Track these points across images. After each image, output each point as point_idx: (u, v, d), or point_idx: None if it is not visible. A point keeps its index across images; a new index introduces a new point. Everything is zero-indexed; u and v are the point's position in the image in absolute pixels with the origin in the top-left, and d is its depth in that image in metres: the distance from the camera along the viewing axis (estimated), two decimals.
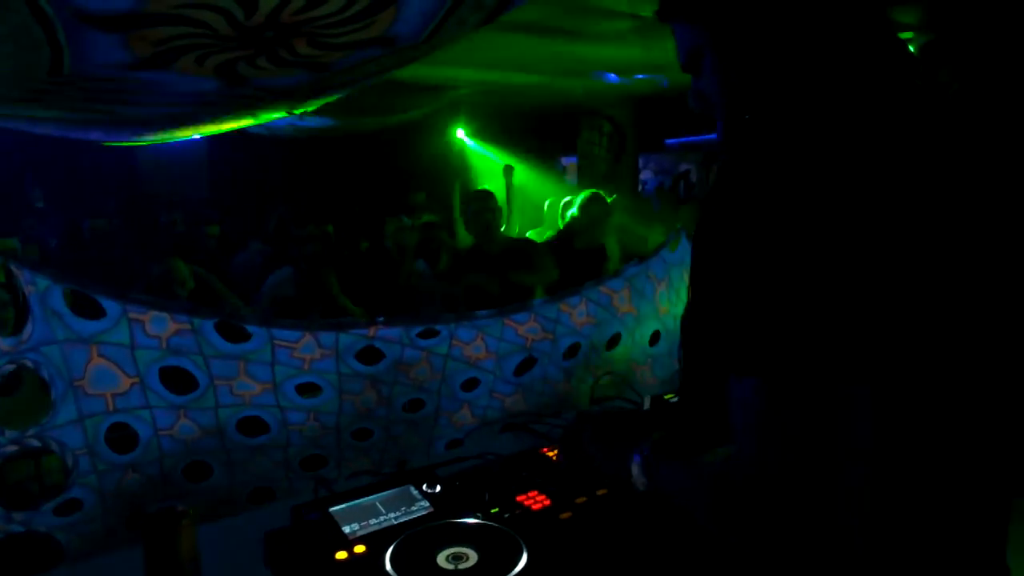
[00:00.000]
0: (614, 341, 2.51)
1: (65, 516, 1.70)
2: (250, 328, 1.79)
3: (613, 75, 7.35)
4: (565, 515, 1.46)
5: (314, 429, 2.00)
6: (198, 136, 8.90)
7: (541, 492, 1.56)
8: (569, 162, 10.90)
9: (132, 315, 1.63)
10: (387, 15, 2.63)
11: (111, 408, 1.68)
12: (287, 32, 2.56)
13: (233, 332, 1.78)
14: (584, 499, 1.53)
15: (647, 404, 1.97)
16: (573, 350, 2.41)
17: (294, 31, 2.55)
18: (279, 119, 6.83)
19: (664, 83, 8.38)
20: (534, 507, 1.50)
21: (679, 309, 2.70)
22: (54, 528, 1.69)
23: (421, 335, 2.06)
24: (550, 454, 1.76)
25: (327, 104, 6.58)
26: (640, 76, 7.99)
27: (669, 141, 10.87)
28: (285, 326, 1.84)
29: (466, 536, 1.37)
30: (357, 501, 1.50)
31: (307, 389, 1.97)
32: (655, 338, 2.64)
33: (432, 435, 2.25)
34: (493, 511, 1.48)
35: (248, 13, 2.36)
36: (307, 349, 1.89)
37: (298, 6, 2.32)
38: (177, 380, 1.75)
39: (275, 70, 3.18)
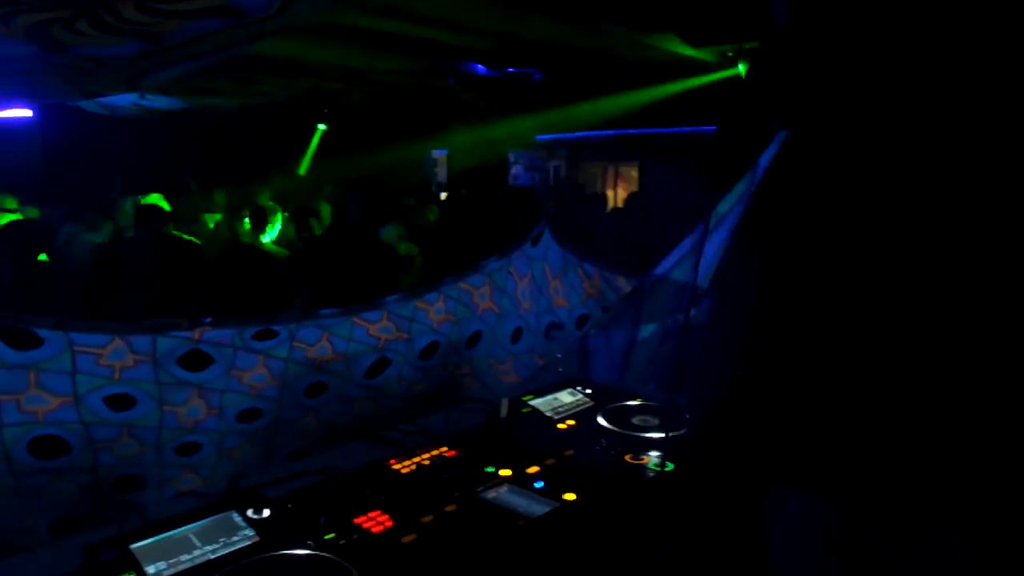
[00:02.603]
0: (474, 339, 2.39)
1: None
2: (41, 332, 1.52)
3: (482, 67, 7.25)
4: (408, 538, 1.32)
5: (129, 446, 1.75)
6: (30, 114, 8.06)
7: (384, 512, 1.41)
8: (440, 154, 10.75)
9: None
10: None
11: None
12: None
13: (20, 338, 1.51)
14: (431, 518, 1.39)
15: (504, 409, 1.85)
16: (431, 349, 2.27)
17: None
18: (121, 97, 6.27)
19: (536, 77, 8.39)
20: (374, 530, 1.35)
21: (542, 304, 2.62)
22: None
23: (257, 336, 1.85)
24: (397, 466, 1.61)
25: (175, 83, 6.09)
26: (511, 70, 7.95)
27: (540, 137, 10.94)
28: (88, 329, 1.59)
29: (291, 571, 1.19)
30: (167, 534, 1.29)
31: (120, 401, 1.72)
32: (517, 335, 2.55)
33: (272, 446, 2.04)
34: (327, 537, 1.31)
35: None
36: (116, 355, 1.64)
37: None
38: None
39: (100, 37, 2.83)
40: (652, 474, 1.58)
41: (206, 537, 1.29)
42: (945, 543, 0.70)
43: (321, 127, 9.65)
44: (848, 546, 0.76)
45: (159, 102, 6.53)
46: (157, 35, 2.79)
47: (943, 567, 0.69)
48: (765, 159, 2.72)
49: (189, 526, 1.31)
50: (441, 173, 10.79)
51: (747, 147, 2.93)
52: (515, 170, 11.24)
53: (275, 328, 1.88)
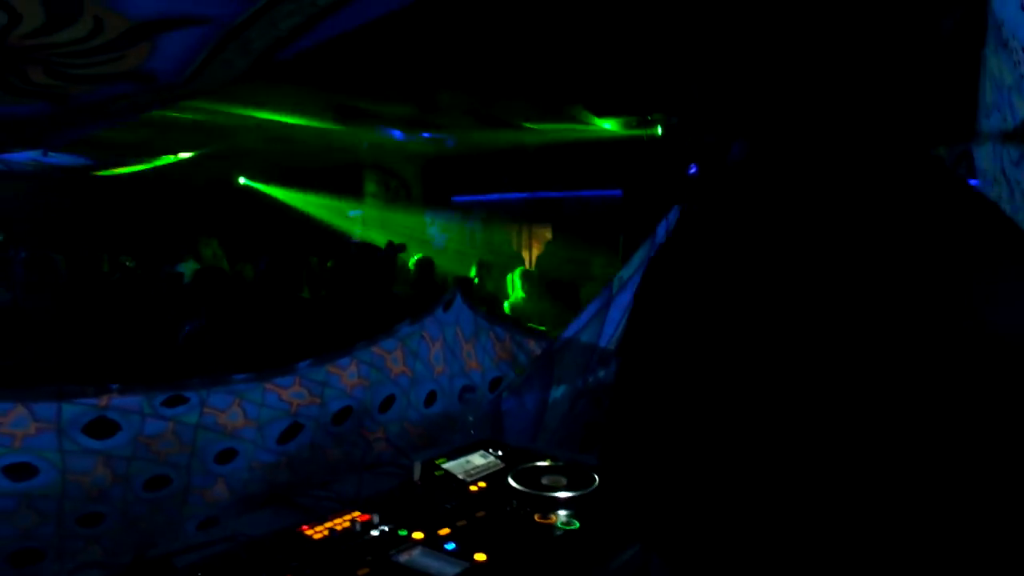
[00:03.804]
0: (388, 403, 2.42)
1: None
2: None
3: (398, 132, 7.40)
4: None
5: (26, 518, 1.69)
6: None
7: None
8: (355, 215, 10.77)
9: None
10: (141, 50, 2.42)
11: None
12: (18, 57, 2.27)
13: None
14: None
15: (417, 472, 1.89)
16: (344, 414, 2.29)
17: (26, 56, 2.26)
18: (19, 154, 6.08)
19: (449, 143, 8.61)
20: None
21: (455, 368, 2.68)
22: None
23: (166, 403, 1.84)
24: (309, 532, 1.62)
25: (80, 140, 5.95)
26: (426, 135, 8.14)
27: (456, 198, 11.13)
28: None
29: None
30: None
31: (20, 470, 1.67)
32: (431, 399, 2.59)
33: (181, 515, 2.00)
34: None
35: None
36: (18, 423, 1.60)
37: (30, 29, 2.06)
38: None
39: (4, 98, 2.80)
40: (560, 532, 1.65)
41: None
42: None
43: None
44: None
45: (62, 159, 6.35)
46: (65, 96, 2.77)
47: None
48: (662, 229, 2.91)
49: None
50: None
51: (648, 214, 3.12)
52: (431, 230, 11.37)
53: (185, 394, 1.88)
